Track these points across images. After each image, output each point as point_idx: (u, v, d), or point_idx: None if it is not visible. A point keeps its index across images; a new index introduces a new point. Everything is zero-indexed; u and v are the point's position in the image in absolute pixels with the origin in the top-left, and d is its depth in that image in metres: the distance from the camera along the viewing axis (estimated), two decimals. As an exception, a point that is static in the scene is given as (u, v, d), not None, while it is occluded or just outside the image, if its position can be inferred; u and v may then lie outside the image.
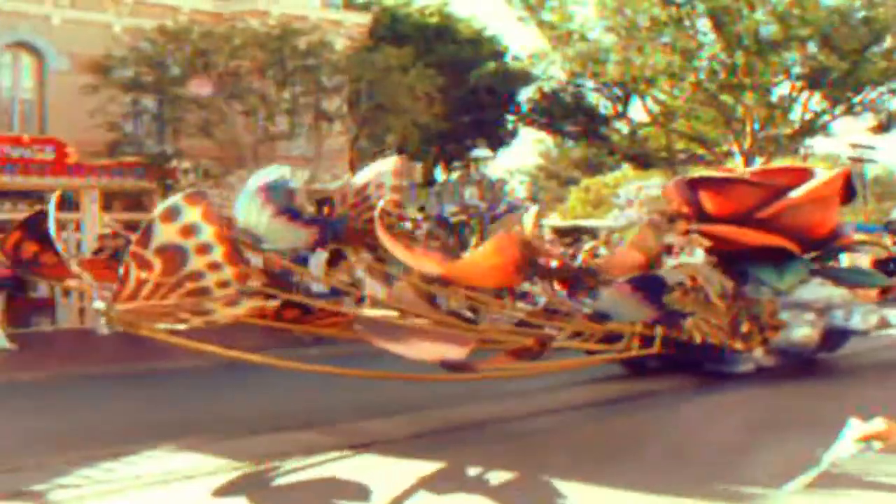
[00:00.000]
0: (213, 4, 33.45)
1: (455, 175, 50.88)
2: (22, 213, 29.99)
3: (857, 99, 48.49)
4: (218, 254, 10.15)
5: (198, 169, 30.25)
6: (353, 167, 35.42)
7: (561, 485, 9.39)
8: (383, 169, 13.85)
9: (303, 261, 17.04)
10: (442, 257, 13.44)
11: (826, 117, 48.64)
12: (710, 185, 18.06)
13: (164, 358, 16.64)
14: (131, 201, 33.05)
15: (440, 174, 52.93)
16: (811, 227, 17.51)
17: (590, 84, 51.50)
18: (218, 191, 30.09)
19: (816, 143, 58.42)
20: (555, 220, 51.39)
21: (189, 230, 9.95)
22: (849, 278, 18.99)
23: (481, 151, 39.47)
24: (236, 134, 29.94)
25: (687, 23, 45.60)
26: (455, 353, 11.81)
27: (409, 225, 15.37)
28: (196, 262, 10.07)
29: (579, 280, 15.78)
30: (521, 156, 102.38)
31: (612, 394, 15.36)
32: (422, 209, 34.60)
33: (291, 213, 12.34)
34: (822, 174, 18.11)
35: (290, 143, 31.24)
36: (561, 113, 52.77)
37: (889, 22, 44.19)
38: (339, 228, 13.20)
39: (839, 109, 48.18)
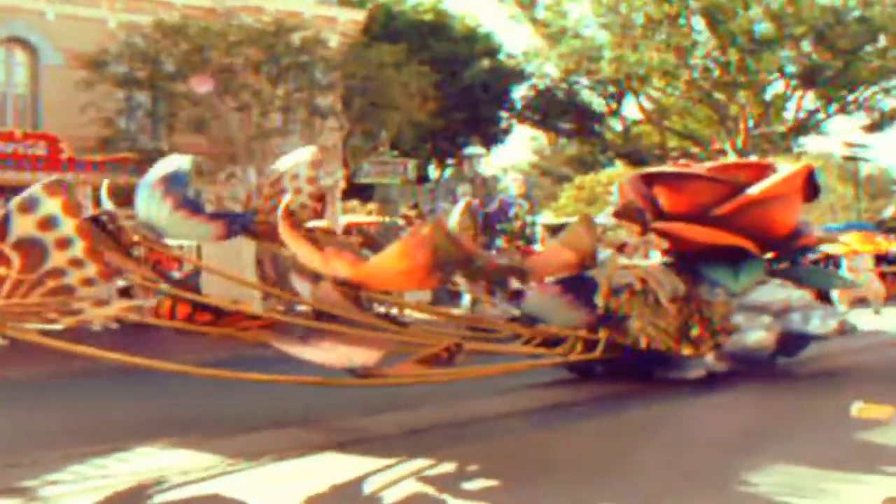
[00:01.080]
0: (207, 0, 33.41)
1: (448, 172, 51.01)
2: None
3: (850, 98, 48.63)
4: (79, 249, 9.42)
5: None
6: (347, 164, 35.50)
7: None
8: (300, 159, 13.15)
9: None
10: (353, 259, 12.55)
11: (820, 116, 48.86)
12: (664, 180, 17.54)
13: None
14: (124, 197, 33.00)
15: (433, 171, 53.02)
16: (770, 225, 16.90)
17: (584, 81, 51.65)
18: (212, 188, 30.19)
19: (810, 142, 58.40)
20: (548, 217, 51.31)
21: (47, 223, 9.22)
22: (810, 280, 18.83)
23: (474, 149, 39.56)
24: (230, 130, 29.91)
25: (681, 21, 45.66)
26: (364, 358, 11.51)
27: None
28: (56, 258, 9.38)
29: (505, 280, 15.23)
30: (515, 153, 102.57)
31: (550, 400, 14.49)
32: (415, 206, 34.71)
33: (192, 206, 11.79)
34: (783, 170, 17.39)
35: (283, 139, 31.14)
36: (555, 110, 52.90)
37: (884, 21, 44.26)
38: (247, 223, 12.68)
39: (833, 108, 48.30)
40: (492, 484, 9.56)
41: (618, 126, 54.60)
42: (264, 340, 12.15)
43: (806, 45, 45.28)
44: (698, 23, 46.46)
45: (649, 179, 17.64)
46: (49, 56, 31.40)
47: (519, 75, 53.32)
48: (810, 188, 17.28)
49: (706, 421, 13.06)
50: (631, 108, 53.92)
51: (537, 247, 30.18)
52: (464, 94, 49.68)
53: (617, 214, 17.73)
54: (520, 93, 54.50)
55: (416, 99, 32.73)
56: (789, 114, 49.09)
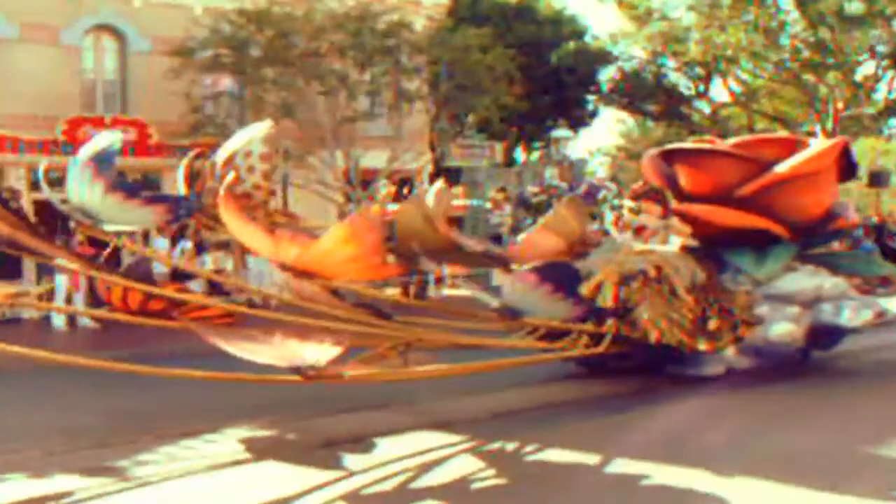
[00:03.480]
0: (293, -14, 33.51)
1: (535, 155, 50.83)
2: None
3: (943, 78, 47.79)
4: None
5: (278, 149, 30.29)
6: (434, 147, 35.44)
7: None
8: (253, 135, 12.32)
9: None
10: (306, 243, 11.44)
11: (912, 97, 47.95)
12: (685, 158, 16.21)
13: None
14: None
15: (521, 154, 52.87)
16: (801, 206, 15.39)
17: (671, 63, 51.24)
18: (301, 171, 30.27)
19: (901, 124, 57.51)
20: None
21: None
22: (847, 266, 16.80)
23: (562, 132, 39.34)
24: (316, 115, 29.91)
25: (769, 1, 45.06)
26: (318, 354, 10.40)
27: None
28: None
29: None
30: (602, 136, 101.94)
31: (558, 398, 13.63)
32: (502, 189, 34.56)
33: (127, 188, 11.02)
34: (815, 145, 15.86)
35: (370, 123, 31.18)
36: (641, 93, 52.55)
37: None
38: (194, 206, 11.83)
39: (926, 88, 47.42)
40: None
41: (705, 108, 54.10)
42: (198, 334, 10.91)
43: (897, 25, 44.62)
44: (786, 2, 45.86)
45: (669, 157, 16.39)
46: (137, 43, 31.58)
47: (605, 58, 53.06)
48: (845, 166, 15.89)
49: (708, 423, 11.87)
50: (718, 90, 53.48)
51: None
52: (550, 76, 49.53)
53: (635, 195, 16.80)
54: (606, 75, 54.29)
55: (503, 82, 32.56)
56: (880, 95, 48.37)
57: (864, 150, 63.11)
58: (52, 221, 18.39)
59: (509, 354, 13.81)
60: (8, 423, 11.96)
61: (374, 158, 31.26)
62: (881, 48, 45.83)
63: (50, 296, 22.44)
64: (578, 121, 54.02)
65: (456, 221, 34.52)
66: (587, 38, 54.36)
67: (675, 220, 15.86)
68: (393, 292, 20.58)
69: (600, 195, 32.42)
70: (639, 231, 16.32)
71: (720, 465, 9.22)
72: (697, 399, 13.19)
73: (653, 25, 48.49)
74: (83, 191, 10.77)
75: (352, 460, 9.90)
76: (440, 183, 14.79)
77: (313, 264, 11.34)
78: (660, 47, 49.06)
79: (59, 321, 22.29)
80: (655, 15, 49.28)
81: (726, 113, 53.98)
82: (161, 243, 24.44)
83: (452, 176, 41.10)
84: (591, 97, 54.71)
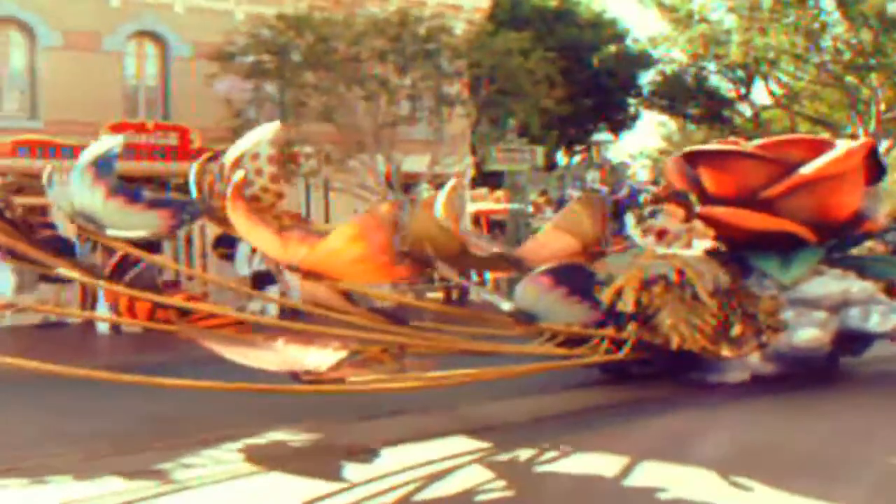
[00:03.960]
0: (332, -9, 33.58)
1: (577, 159, 50.78)
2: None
3: None
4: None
5: (319, 154, 30.37)
6: (475, 151, 35.43)
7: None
8: (261, 137, 11.79)
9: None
10: (316, 242, 11.19)
11: (956, 99, 47.50)
12: (709, 159, 15.99)
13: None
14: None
15: (562, 158, 52.82)
16: (827, 208, 15.14)
17: (712, 66, 51.04)
18: (342, 176, 30.31)
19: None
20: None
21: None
22: (877, 270, 16.15)
23: (603, 135, 39.34)
24: (357, 119, 29.95)
25: (811, 2, 44.79)
26: (319, 359, 10.10)
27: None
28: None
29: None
30: (643, 139, 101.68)
31: (587, 402, 13.47)
32: (544, 193, 34.52)
33: (128, 193, 10.74)
34: (841, 147, 15.52)
35: (411, 127, 31.16)
36: (683, 95, 52.38)
37: None
38: (199, 210, 11.62)
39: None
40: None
41: (747, 111, 53.86)
42: (198, 342, 10.83)
43: (940, 25, 44.26)
44: (828, 4, 45.61)
45: (693, 159, 16.20)
46: (178, 48, 31.78)
47: (646, 61, 52.98)
48: (873, 167, 15.72)
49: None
50: (760, 93, 53.19)
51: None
52: (591, 80, 49.50)
53: (657, 199, 16.83)
54: (647, 78, 54.23)
55: (543, 86, 32.49)
56: (923, 97, 48.03)
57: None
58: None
59: (527, 361, 13.69)
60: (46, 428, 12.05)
61: (415, 162, 31.26)
62: (924, 49, 45.52)
63: (94, 301, 22.66)
64: (619, 124, 54.03)
65: (498, 225, 34.53)
66: (628, 42, 54.35)
67: (697, 224, 15.79)
68: (435, 297, 20.59)
69: (641, 199, 32.38)
70: (661, 234, 16.17)
71: (741, 470, 9.20)
72: (726, 404, 13.13)
73: (693, 28, 48.31)
74: (84, 196, 10.60)
75: (384, 464, 9.96)
76: (452, 182, 14.43)
77: (321, 264, 11.10)
78: (700, 50, 48.84)
79: (102, 326, 22.44)
80: (696, 17, 49.08)
81: (768, 115, 53.74)
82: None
83: (494, 180, 41.14)
84: (632, 100, 54.67)
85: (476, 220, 35.87)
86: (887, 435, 11.21)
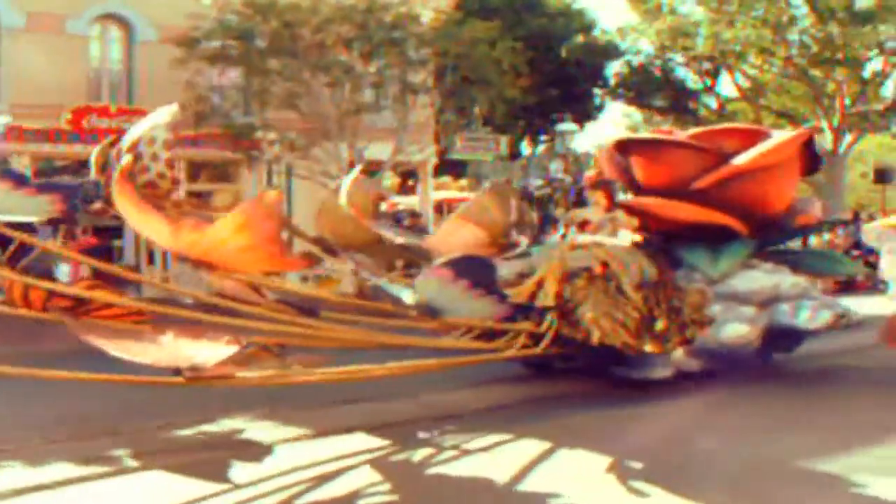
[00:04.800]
0: (300, -23, 33.50)
1: (541, 148, 50.87)
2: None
3: (952, 75, 47.61)
4: None
5: (283, 140, 30.35)
6: (439, 140, 35.45)
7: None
8: (157, 121, 11.07)
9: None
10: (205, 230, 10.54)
11: (921, 94, 47.77)
12: (641, 148, 15.31)
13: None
14: (216, 172, 33.27)
15: (526, 148, 52.91)
16: (760, 201, 14.60)
17: (678, 58, 51.07)
18: (305, 163, 30.30)
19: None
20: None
21: None
22: (810, 264, 16.13)
23: (567, 125, 39.34)
24: (322, 106, 29.93)
25: (778, -5, 44.97)
26: (210, 354, 9.42)
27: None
28: None
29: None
30: (608, 130, 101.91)
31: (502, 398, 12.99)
32: (508, 182, 34.62)
33: (15, 177, 10.48)
34: (777, 137, 15.00)
35: (375, 115, 31.16)
36: (649, 87, 52.45)
37: None
38: (90, 195, 11.13)
39: (935, 86, 47.23)
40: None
41: (713, 103, 54.00)
42: (74, 332, 10.01)
43: (907, 21, 44.43)
44: (796, -2, 45.78)
45: (625, 148, 15.48)
46: (143, 32, 31.66)
47: (613, 52, 53.03)
48: (809, 158, 15.18)
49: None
50: (726, 85, 53.43)
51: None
52: (558, 70, 49.63)
53: (591, 186, 16.10)
54: (614, 69, 54.26)
55: (509, 75, 32.54)
56: (888, 91, 48.20)
57: (871, 147, 63.30)
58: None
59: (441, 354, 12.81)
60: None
61: (379, 150, 31.26)
62: (890, 44, 45.61)
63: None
64: (585, 115, 54.07)
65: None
66: (596, 33, 54.42)
67: (619, 213, 15.17)
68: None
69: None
70: (583, 225, 15.52)
71: (645, 472, 9.14)
72: (647, 401, 12.67)
73: (661, 20, 48.33)
74: None
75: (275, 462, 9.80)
76: (356, 172, 14.39)
77: (208, 254, 10.58)
78: (668, 42, 48.89)
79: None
80: (665, 9, 49.11)
81: (733, 108, 53.85)
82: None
83: (458, 169, 41.25)
84: (598, 91, 54.77)
85: (439, 208, 35.93)
86: (794, 434, 11.02)
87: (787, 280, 14.57)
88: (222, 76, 30.24)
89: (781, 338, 14.70)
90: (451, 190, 41.05)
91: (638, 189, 15.15)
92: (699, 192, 14.27)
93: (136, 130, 11.01)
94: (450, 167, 42.85)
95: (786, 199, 15.21)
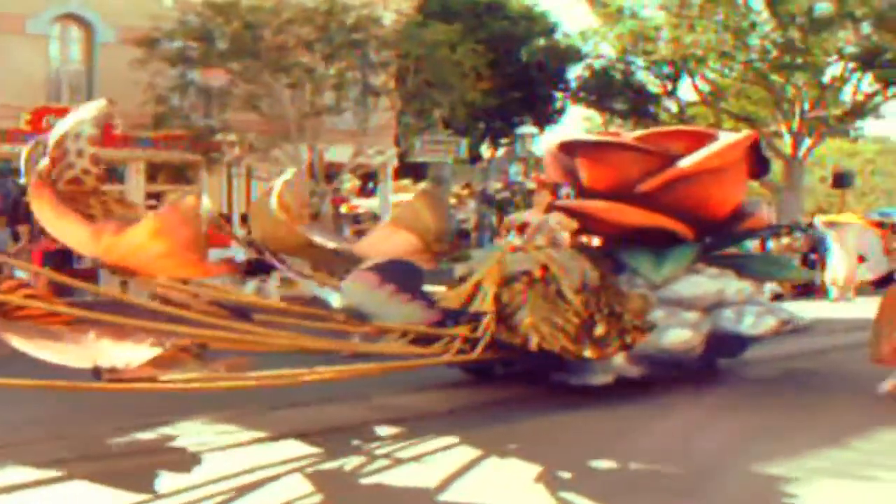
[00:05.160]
0: (262, -22, 33.45)
1: (501, 151, 50.92)
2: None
3: (909, 81, 47.88)
4: None
5: (243, 142, 30.33)
6: (399, 142, 35.49)
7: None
8: (83, 116, 10.77)
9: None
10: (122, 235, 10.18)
11: (878, 99, 48.03)
12: (586, 150, 14.85)
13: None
14: (176, 174, 33.18)
15: (487, 150, 52.94)
16: (706, 204, 14.38)
17: (639, 62, 51.16)
18: (265, 165, 30.27)
19: (867, 126, 57.57)
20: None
21: None
22: (756, 269, 15.74)
23: (527, 128, 39.42)
24: (282, 108, 29.94)
25: (739, 1, 45.13)
26: (131, 356, 9.07)
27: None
28: None
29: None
30: (569, 133, 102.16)
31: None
32: (467, 186, 34.69)
33: None
34: (723, 139, 14.82)
35: (336, 117, 31.16)
36: (610, 91, 52.44)
37: (948, 3, 43.58)
38: (13, 192, 10.72)
39: (892, 91, 47.48)
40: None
41: (673, 107, 54.13)
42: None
43: (866, 27, 44.62)
44: (757, 3, 45.89)
45: (571, 149, 15.06)
46: (103, 33, 31.54)
47: (575, 55, 53.06)
48: (757, 161, 15.05)
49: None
50: (686, 89, 53.56)
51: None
52: (519, 73, 49.65)
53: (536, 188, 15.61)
54: (575, 73, 54.30)
55: (470, 78, 32.59)
56: (847, 96, 48.46)
57: (830, 152, 63.70)
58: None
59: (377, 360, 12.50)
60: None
61: (339, 153, 31.35)
62: (849, 49, 45.86)
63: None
64: (546, 118, 54.07)
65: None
66: (557, 36, 54.45)
67: (556, 216, 14.80)
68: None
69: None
70: (522, 228, 15.20)
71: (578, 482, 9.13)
72: (586, 407, 12.53)
73: (623, 24, 48.40)
74: None
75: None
76: (287, 174, 14.04)
77: (125, 259, 10.34)
78: (629, 46, 48.96)
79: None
80: (626, 13, 49.19)
81: (694, 112, 53.94)
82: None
83: (418, 171, 41.24)
84: (559, 94, 54.80)
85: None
86: (737, 435, 11.11)
87: (731, 285, 14.47)
88: (183, 77, 30.12)
89: (726, 343, 14.57)
90: (410, 193, 41.06)
91: (583, 192, 14.92)
92: (643, 195, 14.07)
93: (62, 126, 10.77)
94: (410, 170, 42.85)
95: (732, 202, 15.00)
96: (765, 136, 48.82)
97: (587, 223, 15.01)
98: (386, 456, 10.12)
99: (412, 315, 12.07)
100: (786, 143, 46.95)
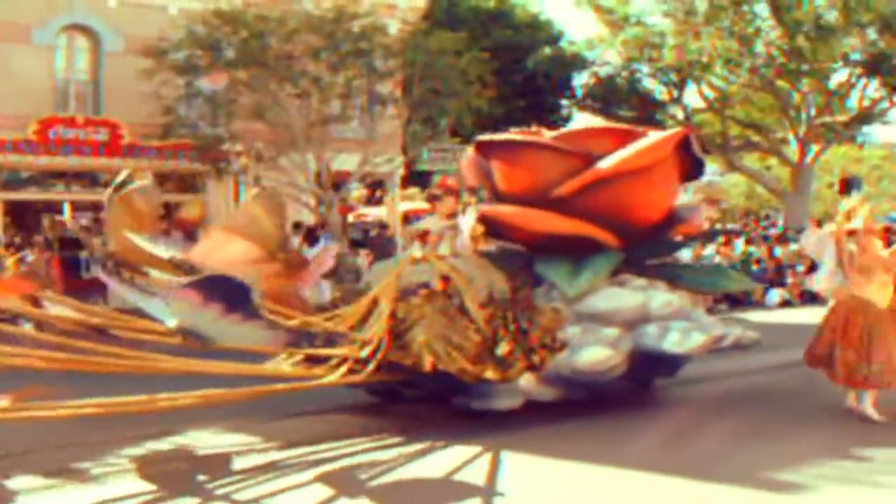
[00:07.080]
0: (268, -12, 33.46)
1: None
2: (75, 193, 30.36)
3: (917, 87, 47.84)
4: None
5: (250, 151, 30.33)
6: (406, 151, 35.45)
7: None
8: None
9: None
10: None
11: (884, 105, 48.02)
12: (502, 151, 13.88)
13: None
14: (184, 183, 33.14)
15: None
16: (631, 209, 13.26)
17: (645, 69, 51.16)
18: (272, 174, 30.26)
19: (873, 131, 57.58)
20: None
21: None
22: (691, 280, 14.53)
23: (532, 137, 39.27)
24: (289, 117, 29.91)
25: (745, 7, 45.11)
26: None
27: None
28: None
29: None
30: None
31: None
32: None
33: None
34: (650, 137, 13.53)
35: (342, 126, 31.17)
36: (615, 98, 52.41)
37: (953, 10, 43.53)
38: None
39: (898, 97, 47.44)
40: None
41: (679, 114, 54.10)
42: None
43: (872, 33, 44.58)
44: (762, 10, 45.86)
45: (486, 150, 14.08)
46: (110, 43, 31.51)
47: (580, 63, 53.07)
48: (689, 162, 13.90)
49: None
50: (692, 96, 53.43)
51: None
52: (525, 81, 49.66)
53: (431, 195, 15.04)
54: (581, 80, 54.31)
55: (476, 86, 32.56)
56: (853, 102, 48.45)
57: (837, 158, 63.62)
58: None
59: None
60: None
61: (346, 161, 31.31)
62: (855, 56, 45.84)
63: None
64: (552, 125, 53.87)
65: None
66: (563, 44, 54.47)
67: (459, 221, 13.69)
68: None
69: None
70: (423, 236, 14.05)
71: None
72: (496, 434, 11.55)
73: (628, 31, 48.42)
74: None
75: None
76: (146, 181, 13.14)
77: None
78: (634, 53, 48.98)
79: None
80: (631, 20, 49.20)
81: (700, 119, 53.97)
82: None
83: (425, 180, 41.14)
84: (565, 102, 54.77)
85: (406, 219, 35.89)
86: (671, 460, 10.49)
87: (657, 298, 13.25)
88: (190, 87, 30.14)
89: (659, 362, 13.34)
90: (417, 201, 40.99)
91: (498, 196, 14.02)
92: (560, 199, 13.07)
93: None
94: (417, 178, 42.83)
95: (661, 206, 13.98)
96: (771, 142, 48.89)
97: (500, 231, 13.85)
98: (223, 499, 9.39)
99: (252, 336, 10.63)
100: (792, 150, 46.98)
